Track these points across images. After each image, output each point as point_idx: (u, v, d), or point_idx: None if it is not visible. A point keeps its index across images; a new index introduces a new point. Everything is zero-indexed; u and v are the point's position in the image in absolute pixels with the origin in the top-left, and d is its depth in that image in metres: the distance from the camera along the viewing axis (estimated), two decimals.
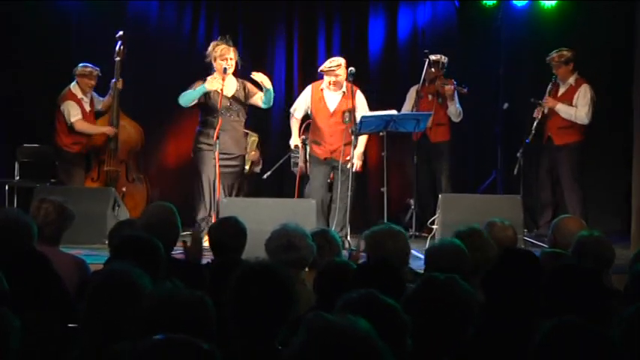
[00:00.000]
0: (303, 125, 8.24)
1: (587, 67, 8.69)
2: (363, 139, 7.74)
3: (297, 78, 9.59)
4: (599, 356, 2.26)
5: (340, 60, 7.76)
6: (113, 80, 8.41)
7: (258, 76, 7.62)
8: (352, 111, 7.63)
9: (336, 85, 7.68)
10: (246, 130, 8.34)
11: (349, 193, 7.58)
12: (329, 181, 7.82)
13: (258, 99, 7.75)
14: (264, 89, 7.66)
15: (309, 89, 7.96)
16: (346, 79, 7.64)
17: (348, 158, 7.57)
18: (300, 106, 7.97)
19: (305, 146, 8.10)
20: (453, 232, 4.55)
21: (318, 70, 7.87)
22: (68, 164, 8.41)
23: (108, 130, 8.39)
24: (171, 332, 2.24)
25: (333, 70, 7.66)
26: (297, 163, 7.99)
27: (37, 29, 9.12)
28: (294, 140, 7.94)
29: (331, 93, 7.76)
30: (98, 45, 8.87)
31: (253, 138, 8.71)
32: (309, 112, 7.93)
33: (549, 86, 8.43)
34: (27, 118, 9.07)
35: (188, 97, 7.65)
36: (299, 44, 9.61)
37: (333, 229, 7.29)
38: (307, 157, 8.10)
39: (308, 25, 9.62)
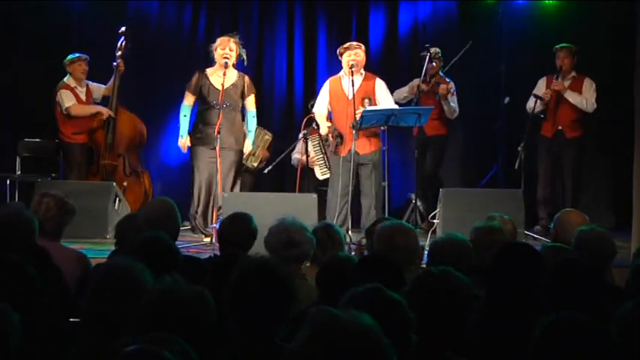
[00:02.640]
0: (305, 120, 8.23)
1: (588, 66, 8.70)
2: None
3: (299, 75, 9.59)
4: (597, 351, 2.26)
5: (361, 44, 7.70)
6: (115, 63, 8.40)
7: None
8: (372, 96, 7.60)
9: (356, 67, 7.49)
10: (261, 127, 8.35)
11: (374, 188, 7.57)
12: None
13: (249, 103, 7.69)
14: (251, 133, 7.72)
15: (326, 83, 7.80)
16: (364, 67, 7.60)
17: (373, 150, 7.56)
18: (320, 101, 7.76)
19: (306, 140, 8.09)
20: (473, 227, 4.56)
21: (337, 52, 7.70)
22: (71, 157, 8.41)
23: (104, 110, 8.37)
24: (172, 328, 2.24)
25: (354, 48, 7.56)
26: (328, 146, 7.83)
27: (39, 27, 9.15)
28: (323, 129, 7.67)
29: (350, 79, 7.54)
30: (99, 43, 8.88)
31: (267, 137, 8.72)
32: (329, 108, 7.74)
33: (543, 81, 8.42)
34: (28, 113, 9.09)
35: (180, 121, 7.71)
36: (300, 41, 9.61)
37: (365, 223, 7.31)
38: (308, 151, 8.10)
39: (309, 22, 9.62)
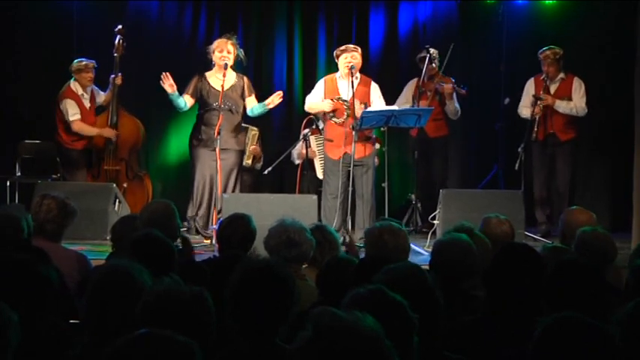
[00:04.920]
0: (305, 121, 8.24)
1: (588, 66, 8.69)
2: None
3: (298, 76, 9.59)
4: (598, 352, 2.26)
5: (358, 47, 7.71)
6: (112, 76, 8.39)
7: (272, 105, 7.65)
8: (367, 100, 7.60)
9: (354, 69, 7.49)
10: (246, 125, 8.34)
11: (370, 188, 7.59)
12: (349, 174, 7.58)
13: (250, 103, 7.71)
14: (263, 104, 7.63)
15: (321, 81, 7.84)
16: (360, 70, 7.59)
17: (368, 154, 7.60)
18: (313, 96, 7.76)
19: (306, 141, 8.08)
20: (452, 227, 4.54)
21: (334, 53, 7.73)
22: (70, 162, 8.40)
23: (107, 132, 8.36)
24: (171, 329, 2.23)
25: (351, 50, 7.56)
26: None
27: (39, 27, 9.13)
28: (327, 106, 7.60)
29: (345, 82, 7.56)
30: (99, 43, 8.86)
31: (254, 132, 8.70)
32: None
33: (531, 83, 8.41)
34: (28, 114, 9.08)
35: (176, 106, 7.67)
36: (299, 41, 9.61)
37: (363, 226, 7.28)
38: (308, 150, 8.09)
39: (308, 22, 9.61)
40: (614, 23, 8.99)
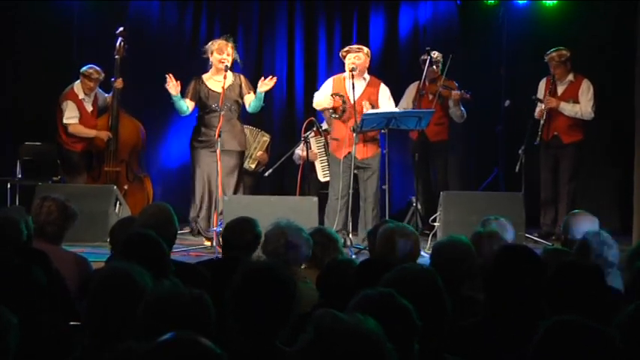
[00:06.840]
0: (305, 123, 8.23)
1: (588, 66, 8.68)
2: None
3: (299, 77, 9.59)
4: (599, 354, 2.26)
5: (363, 47, 7.70)
6: (113, 79, 8.39)
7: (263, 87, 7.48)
8: (375, 101, 7.59)
9: (356, 70, 7.48)
10: (259, 129, 8.31)
11: (373, 191, 7.58)
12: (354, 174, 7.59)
13: (248, 99, 7.66)
14: (258, 93, 7.52)
15: (330, 80, 7.83)
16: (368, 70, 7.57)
17: (371, 155, 7.58)
18: (320, 94, 7.76)
19: (307, 143, 8.08)
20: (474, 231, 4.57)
21: (340, 54, 7.73)
22: (70, 163, 8.40)
23: (103, 134, 8.37)
24: (171, 330, 2.23)
25: (355, 51, 7.56)
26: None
27: (39, 28, 9.14)
28: (327, 102, 7.62)
29: (350, 82, 7.52)
30: (99, 44, 8.86)
31: (265, 138, 8.71)
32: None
33: (543, 83, 8.41)
34: (29, 116, 9.08)
35: (178, 109, 7.64)
36: (300, 43, 9.61)
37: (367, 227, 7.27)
38: (309, 152, 8.09)
39: (309, 24, 9.62)
40: (614, 23, 9.00)
